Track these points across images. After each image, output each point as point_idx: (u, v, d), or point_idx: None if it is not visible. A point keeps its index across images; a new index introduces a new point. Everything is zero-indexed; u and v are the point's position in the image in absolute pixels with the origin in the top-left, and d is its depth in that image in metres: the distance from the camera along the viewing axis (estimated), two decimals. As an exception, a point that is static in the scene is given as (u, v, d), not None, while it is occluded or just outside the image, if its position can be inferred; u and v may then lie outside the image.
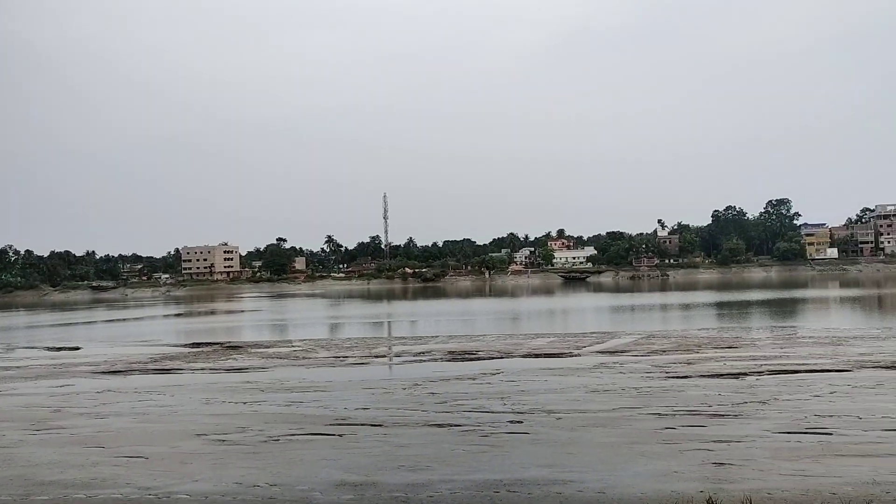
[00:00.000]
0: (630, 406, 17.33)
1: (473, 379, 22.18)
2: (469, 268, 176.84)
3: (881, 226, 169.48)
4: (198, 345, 37.57)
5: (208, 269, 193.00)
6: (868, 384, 19.57)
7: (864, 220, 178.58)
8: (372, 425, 15.44)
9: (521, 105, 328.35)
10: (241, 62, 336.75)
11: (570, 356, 27.82)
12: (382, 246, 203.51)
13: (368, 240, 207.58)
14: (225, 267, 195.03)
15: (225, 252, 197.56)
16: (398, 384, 21.42)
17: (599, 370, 23.86)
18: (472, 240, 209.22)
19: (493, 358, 27.51)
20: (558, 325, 46.17)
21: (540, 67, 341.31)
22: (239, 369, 26.73)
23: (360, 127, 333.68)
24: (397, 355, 30.33)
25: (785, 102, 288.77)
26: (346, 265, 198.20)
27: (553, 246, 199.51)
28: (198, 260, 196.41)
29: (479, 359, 27.52)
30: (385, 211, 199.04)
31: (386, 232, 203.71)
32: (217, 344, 37.61)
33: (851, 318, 45.42)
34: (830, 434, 13.86)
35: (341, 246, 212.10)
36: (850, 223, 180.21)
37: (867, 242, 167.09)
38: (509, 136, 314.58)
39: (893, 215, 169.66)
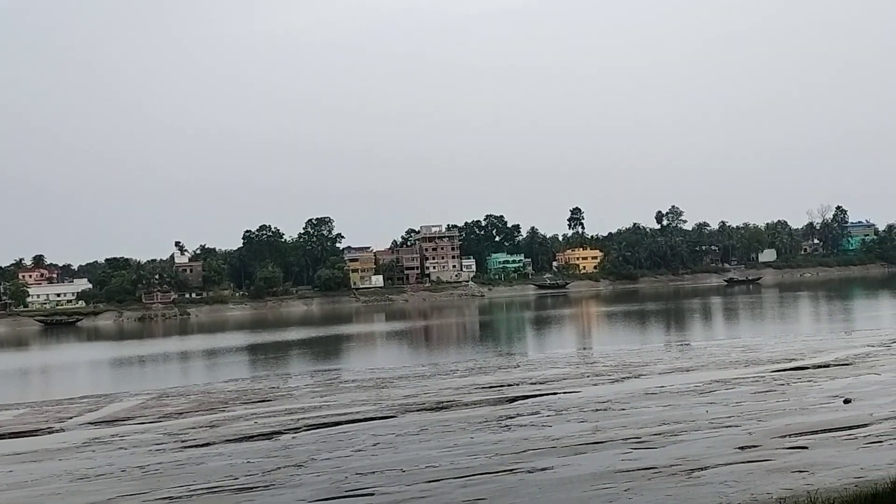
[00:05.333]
0: (132, 492, 17.07)
1: None
2: None
3: (426, 249, 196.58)
4: None
5: None
6: (412, 430, 22.70)
7: (409, 243, 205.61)
8: None
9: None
10: None
11: (50, 433, 26.60)
12: None
13: None
14: None
15: None
16: None
17: (91, 448, 23.19)
18: None
19: (-77, 448, 24.40)
20: (33, 391, 43.81)
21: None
22: None
23: None
24: None
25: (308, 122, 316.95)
26: None
27: (27, 278, 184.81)
28: None
29: None
30: None
31: None
32: None
33: (398, 356, 52.59)
34: (372, 494, 15.52)
35: None
36: (395, 246, 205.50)
37: (413, 268, 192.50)
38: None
39: (438, 237, 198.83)
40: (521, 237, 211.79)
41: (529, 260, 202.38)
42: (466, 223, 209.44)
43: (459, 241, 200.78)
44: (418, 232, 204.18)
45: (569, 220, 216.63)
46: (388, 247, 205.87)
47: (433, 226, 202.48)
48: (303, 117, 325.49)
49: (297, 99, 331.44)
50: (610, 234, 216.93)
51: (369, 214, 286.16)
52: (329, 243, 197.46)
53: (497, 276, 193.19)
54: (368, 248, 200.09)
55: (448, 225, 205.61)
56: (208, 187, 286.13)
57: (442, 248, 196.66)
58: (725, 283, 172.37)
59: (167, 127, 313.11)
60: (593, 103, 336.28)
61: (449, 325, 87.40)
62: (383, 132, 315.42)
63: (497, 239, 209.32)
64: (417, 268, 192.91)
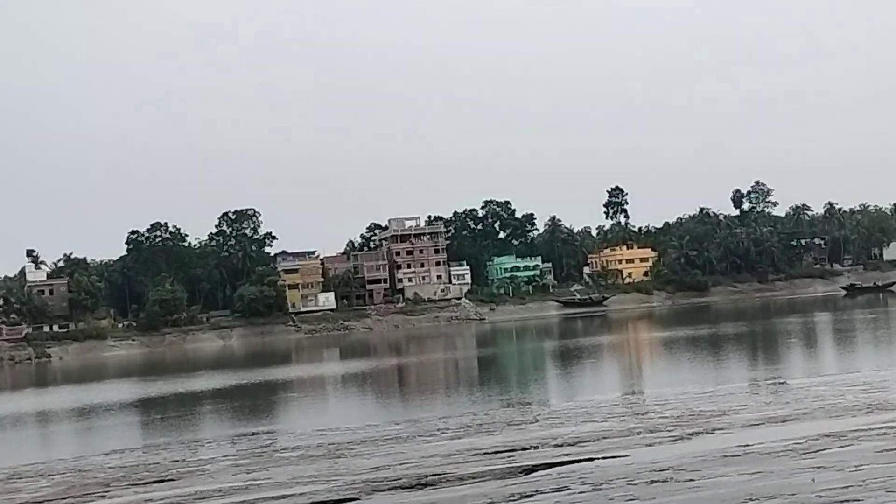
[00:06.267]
0: None
1: None
2: None
3: (398, 252, 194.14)
4: None
5: None
6: (382, 518, 22.46)
7: (372, 245, 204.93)
8: None
9: None
10: None
11: None
12: None
13: None
14: None
15: None
16: None
17: None
18: None
19: None
20: None
21: None
22: None
23: None
24: None
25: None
26: None
27: None
28: None
29: None
30: None
31: None
32: None
33: (359, 411, 52.56)
34: None
35: None
36: (352, 250, 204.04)
37: (379, 281, 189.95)
38: None
39: (414, 235, 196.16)
40: (536, 232, 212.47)
41: (549, 265, 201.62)
42: (456, 214, 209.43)
43: (447, 238, 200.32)
44: (385, 228, 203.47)
45: (606, 205, 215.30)
46: (342, 251, 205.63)
47: (407, 218, 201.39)
48: (210, 75, 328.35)
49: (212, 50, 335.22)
50: (667, 224, 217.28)
51: (313, 206, 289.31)
52: (255, 247, 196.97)
53: (502, 290, 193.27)
54: (313, 253, 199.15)
55: (429, 217, 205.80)
56: (74, 171, 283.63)
57: (421, 252, 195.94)
58: (844, 293, 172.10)
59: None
60: (636, 62, 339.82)
61: (433, 363, 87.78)
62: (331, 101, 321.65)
63: (501, 235, 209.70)
64: (385, 280, 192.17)
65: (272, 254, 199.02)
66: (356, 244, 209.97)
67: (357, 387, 68.85)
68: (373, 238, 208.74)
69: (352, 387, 69.29)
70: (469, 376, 71.60)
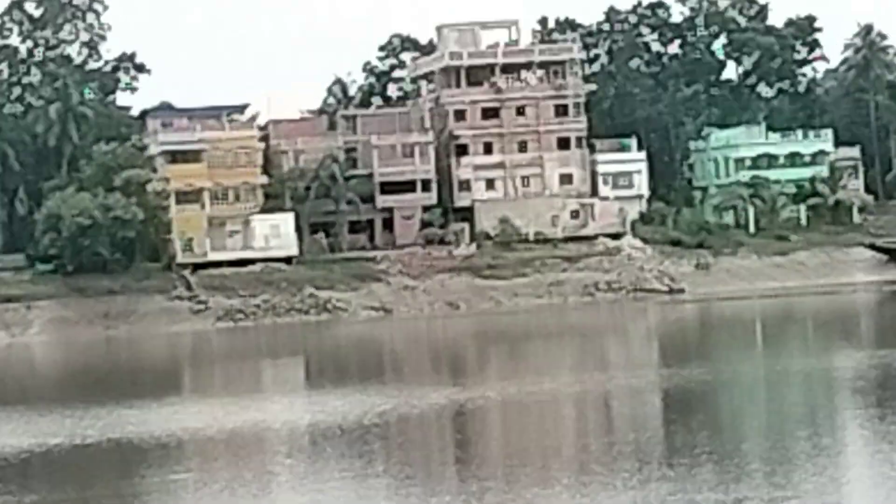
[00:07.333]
0: None
1: None
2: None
3: (460, 112, 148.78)
4: None
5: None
6: None
7: (389, 93, 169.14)
8: None
9: None
10: None
11: None
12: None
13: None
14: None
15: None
16: None
17: None
18: None
19: None
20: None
21: None
22: None
23: None
24: None
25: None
26: None
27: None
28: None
29: None
30: None
31: None
32: None
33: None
34: None
35: None
36: (341, 105, 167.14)
37: (409, 185, 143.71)
38: None
39: (508, 67, 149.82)
40: (824, 67, 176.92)
41: (856, 150, 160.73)
42: (613, 14, 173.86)
43: (587, 79, 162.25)
44: (428, 49, 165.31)
45: None
46: (318, 107, 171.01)
47: (486, 25, 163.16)
48: None
49: None
50: None
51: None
52: (91, 89, 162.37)
53: (728, 217, 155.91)
54: (242, 110, 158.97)
55: (542, 21, 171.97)
56: None
57: (520, 111, 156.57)
58: None
59: None
60: None
61: (554, 403, 67.89)
62: None
63: (731, 73, 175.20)
64: (426, 183, 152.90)
65: (136, 112, 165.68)
66: (349, 90, 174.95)
67: (353, 460, 49.51)
68: (390, 74, 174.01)
69: (337, 460, 50.07)
70: (650, 438, 50.49)
